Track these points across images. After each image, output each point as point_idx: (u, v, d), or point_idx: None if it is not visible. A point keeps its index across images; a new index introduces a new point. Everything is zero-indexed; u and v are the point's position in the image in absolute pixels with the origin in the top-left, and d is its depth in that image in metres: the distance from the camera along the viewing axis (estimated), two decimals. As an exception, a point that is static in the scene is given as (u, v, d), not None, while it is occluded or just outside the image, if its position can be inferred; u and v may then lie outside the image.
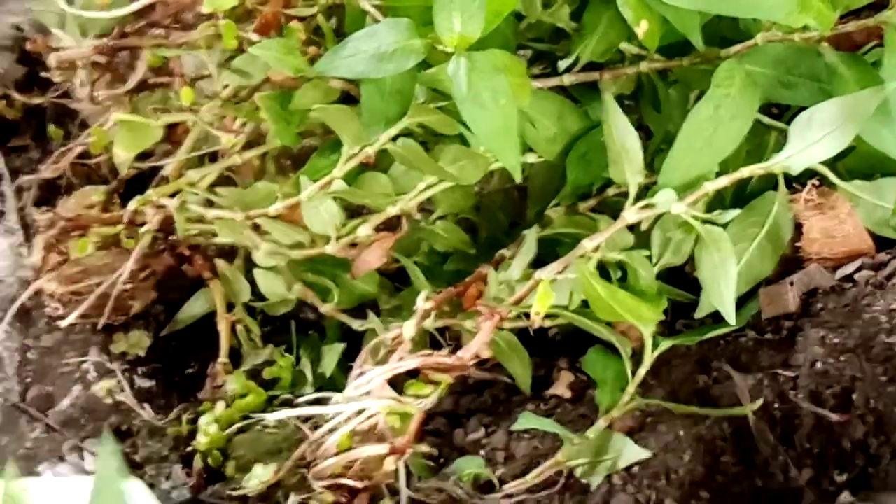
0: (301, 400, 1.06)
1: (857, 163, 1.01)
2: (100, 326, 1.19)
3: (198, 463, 1.06)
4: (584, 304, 0.99)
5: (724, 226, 0.96)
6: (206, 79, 1.19)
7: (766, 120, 1.05)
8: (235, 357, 1.20)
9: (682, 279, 1.07)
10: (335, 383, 1.13)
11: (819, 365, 0.96)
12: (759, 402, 0.94)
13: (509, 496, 0.98)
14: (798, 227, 1.03)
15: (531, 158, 1.10)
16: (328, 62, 0.98)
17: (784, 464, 0.93)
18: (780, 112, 1.11)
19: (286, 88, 1.06)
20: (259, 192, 1.13)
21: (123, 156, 1.12)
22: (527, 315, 0.99)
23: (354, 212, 1.14)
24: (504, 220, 1.22)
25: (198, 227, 1.16)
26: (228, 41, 1.03)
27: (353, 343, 1.15)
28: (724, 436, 0.95)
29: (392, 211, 1.09)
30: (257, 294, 1.19)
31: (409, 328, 0.97)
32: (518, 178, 0.96)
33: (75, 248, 1.14)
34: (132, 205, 1.15)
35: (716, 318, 0.99)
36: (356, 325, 1.14)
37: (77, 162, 1.27)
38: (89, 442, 1.10)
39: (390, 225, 1.12)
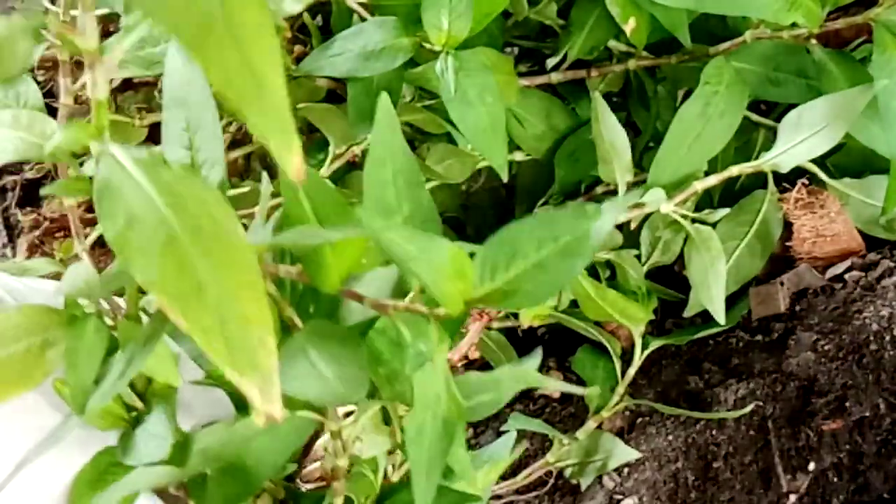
0: (288, 401, 1.06)
1: (846, 160, 1.01)
2: (84, 328, 1.18)
3: (184, 465, 1.05)
4: (574, 303, 0.98)
5: (714, 225, 0.96)
6: (190, 78, 1.18)
7: (755, 117, 1.05)
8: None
9: (672, 278, 1.07)
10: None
11: (811, 370, 0.95)
12: (751, 406, 0.94)
13: (498, 497, 0.98)
14: (788, 227, 1.02)
15: (519, 157, 1.10)
16: (314, 61, 0.97)
17: (778, 471, 0.93)
18: (769, 109, 1.11)
19: (271, 87, 1.05)
20: (244, 192, 1.12)
21: (108, 156, 1.11)
22: (515, 315, 0.99)
23: (341, 211, 1.14)
24: (492, 218, 1.21)
25: (183, 228, 1.16)
26: (213, 40, 1.02)
27: (341, 343, 1.14)
28: (715, 441, 0.94)
29: (379, 210, 1.08)
30: (243, 294, 1.18)
31: (396, 329, 0.96)
32: (505, 178, 0.96)
33: (60, 250, 1.13)
34: (117, 205, 1.14)
35: (705, 317, 0.99)
36: (343, 325, 1.13)
37: (61, 162, 1.26)
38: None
39: (378, 224, 1.11)
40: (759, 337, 1.02)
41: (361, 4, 0.99)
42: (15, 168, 1.33)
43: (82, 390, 0.56)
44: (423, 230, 0.54)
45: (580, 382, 1.05)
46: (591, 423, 0.98)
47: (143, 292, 0.62)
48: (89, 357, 0.57)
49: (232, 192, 1.14)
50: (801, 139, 0.93)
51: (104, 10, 1.02)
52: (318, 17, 1.07)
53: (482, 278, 0.50)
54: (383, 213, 0.54)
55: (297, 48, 1.03)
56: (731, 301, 0.99)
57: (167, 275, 0.43)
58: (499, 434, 1.05)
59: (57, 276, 0.84)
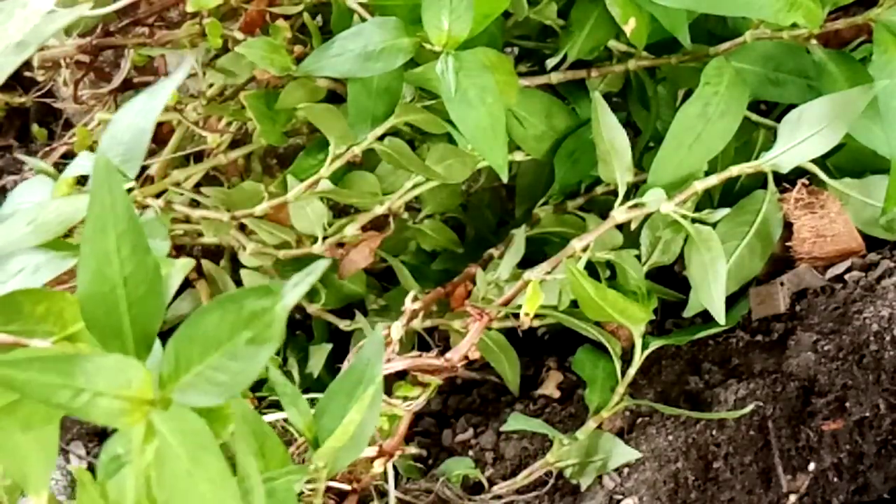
0: (288, 401, 1.06)
1: (846, 160, 1.01)
2: (85, 328, 1.18)
3: (185, 465, 1.05)
4: (574, 303, 0.98)
5: (714, 225, 0.96)
6: (191, 78, 1.18)
7: (755, 117, 1.05)
8: (222, 358, 1.19)
9: (672, 278, 1.07)
10: (323, 384, 1.12)
11: (811, 370, 0.95)
12: (751, 407, 0.94)
13: (498, 497, 0.98)
14: (788, 227, 1.02)
15: (519, 157, 1.10)
16: (314, 61, 0.97)
17: (778, 471, 0.93)
18: (769, 109, 1.11)
19: (272, 87, 1.05)
20: (245, 192, 1.12)
21: (108, 156, 1.11)
22: (515, 315, 0.99)
23: (341, 211, 1.14)
24: (492, 218, 1.22)
25: (183, 228, 1.16)
26: (213, 40, 1.02)
27: (341, 343, 1.15)
28: (716, 441, 0.94)
29: (379, 210, 1.08)
30: (244, 294, 1.18)
31: (396, 329, 0.96)
32: (505, 178, 0.96)
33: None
34: (117, 205, 1.13)
35: (706, 318, 0.99)
36: (343, 325, 1.13)
37: (61, 162, 1.26)
38: (74, 444, 1.09)
39: (377, 224, 1.11)
40: (759, 337, 1.02)
41: (361, 4, 0.99)
42: (15, 168, 1.33)
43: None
44: (147, 298, 0.51)
45: (580, 382, 1.05)
46: (591, 423, 0.98)
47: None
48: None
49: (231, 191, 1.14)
50: (801, 139, 0.93)
51: (104, 10, 1.02)
52: (318, 17, 1.07)
53: (170, 376, 0.48)
54: (103, 287, 0.51)
55: (297, 48, 1.03)
56: (731, 301, 0.99)
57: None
58: (498, 434, 1.05)
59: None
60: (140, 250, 0.50)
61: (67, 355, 0.49)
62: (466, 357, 0.96)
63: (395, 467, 0.93)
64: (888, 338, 0.94)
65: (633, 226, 0.98)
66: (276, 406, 1.08)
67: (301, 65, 0.98)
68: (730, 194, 1.03)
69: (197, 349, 0.48)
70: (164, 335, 1.26)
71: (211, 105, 1.11)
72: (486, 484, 0.99)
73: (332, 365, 1.12)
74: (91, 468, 0.77)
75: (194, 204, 1.13)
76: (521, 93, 1.03)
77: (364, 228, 1.09)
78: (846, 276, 1.02)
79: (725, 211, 0.97)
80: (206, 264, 1.21)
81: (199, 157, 1.18)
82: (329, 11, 1.05)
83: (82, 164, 0.69)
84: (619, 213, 0.96)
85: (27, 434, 0.54)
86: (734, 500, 0.92)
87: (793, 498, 0.92)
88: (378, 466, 0.90)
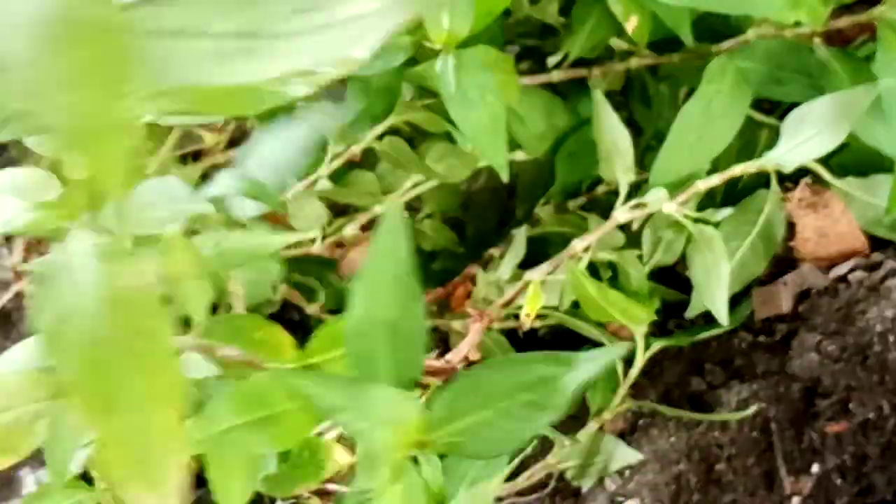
0: (287, 403, 1.05)
1: (850, 159, 1.00)
2: (82, 328, 1.17)
3: (183, 467, 1.05)
4: (575, 304, 0.98)
5: (716, 225, 0.95)
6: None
7: (758, 116, 1.04)
8: (220, 359, 1.18)
9: (674, 278, 1.06)
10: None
11: (814, 371, 0.95)
12: (754, 408, 0.94)
13: (499, 499, 0.97)
14: (791, 227, 1.02)
15: (519, 156, 1.09)
16: (313, 59, 0.97)
17: (781, 473, 0.92)
18: (772, 108, 1.10)
19: (270, 86, 1.05)
20: (244, 192, 1.12)
21: (105, 155, 1.11)
22: (516, 316, 0.98)
23: (340, 211, 1.13)
24: (492, 218, 1.21)
25: (181, 227, 1.15)
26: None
27: (340, 344, 1.14)
28: (718, 443, 0.94)
29: (378, 210, 1.07)
30: (242, 295, 1.18)
31: (396, 329, 0.95)
32: (505, 178, 0.95)
33: (57, 249, 1.12)
34: (114, 204, 1.13)
35: (708, 318, 0.98)
36: (343, 325, 1.13)
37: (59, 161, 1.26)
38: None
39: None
40: (762, 338, 1.02)
41: (361, 2, 0.98)
42: (13, 165, 1.32)
43: (59, 469, 0.54)
44: (409, 347, 0.51)
45: (581, 383, 1.04)
46: (592, 425, 0.97)
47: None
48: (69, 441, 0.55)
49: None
50: (804, 138, 0.92)
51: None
52: (318, 16, 1.07)
53: (441, 420, 0.48)
54: (370, 328, 0.51)
55: (297, 47, 1.02)
56: (734, 302, 0.98)
57: (87, 377, 0.39)
58: (499, 435, 1.04)
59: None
60: (410, 298, 0.51)
61: (356, 380, 0.49)
62: (466, 358, 0.95)
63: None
64: (892, 338, 0.93)
65: (635, 226, 0.98)
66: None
67: (300, 63, 0.98)
68: (732, 194, 1.03)
69: (473, 400, 0.48)
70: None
71: (209, 104, 1.10)
72: (486, 486, 0.99)
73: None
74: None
75: (192, 203, 1.13)
76: (521, 91, 1.02)
77: (364, 228, 1.08)
78: (850, 277, 1.01)
79: (728, 211, 0.96)
80: (205, 264, 1.20)
81: (196, 155, 1.18)
82: (328, 9, 1.04)
83: (224, 184, 0.70)
84: (621, 213, 0.96)
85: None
86: (736, 502, 0.92)
87: (796, 500, 0.91)
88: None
